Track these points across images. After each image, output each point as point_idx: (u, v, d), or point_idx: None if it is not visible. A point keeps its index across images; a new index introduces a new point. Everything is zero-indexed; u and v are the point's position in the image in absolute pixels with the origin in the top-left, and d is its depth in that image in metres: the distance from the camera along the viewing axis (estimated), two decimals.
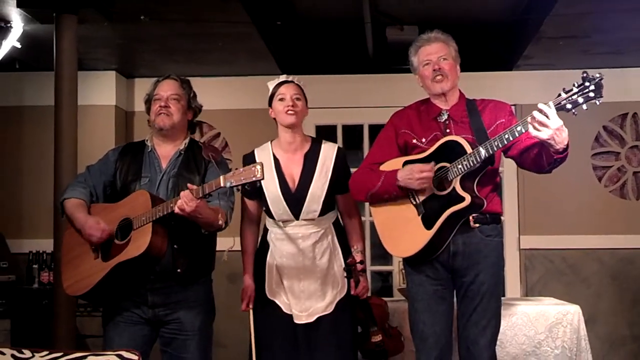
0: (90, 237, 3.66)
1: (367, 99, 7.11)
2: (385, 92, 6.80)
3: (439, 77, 3.74)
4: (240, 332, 5.75)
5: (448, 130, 3.72)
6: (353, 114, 7.25)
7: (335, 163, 4.05)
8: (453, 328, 3.82)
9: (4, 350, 2.92)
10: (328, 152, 4.08)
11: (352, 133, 7.34)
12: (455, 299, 3.80)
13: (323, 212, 4.00)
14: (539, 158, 3.52)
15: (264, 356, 3.99)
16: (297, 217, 3.97)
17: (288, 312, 3.96)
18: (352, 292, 3.96)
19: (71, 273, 3.78)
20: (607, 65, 6.79)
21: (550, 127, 3.27)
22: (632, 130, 7.17)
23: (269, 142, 4.13)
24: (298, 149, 4.07)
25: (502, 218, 3.84)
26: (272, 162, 4.04)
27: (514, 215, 7.12)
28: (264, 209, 4.11)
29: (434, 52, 3.77)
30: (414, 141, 3.77)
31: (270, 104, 4.10)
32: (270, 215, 4.04)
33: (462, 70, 3.86)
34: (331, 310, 3.95)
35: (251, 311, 4.04)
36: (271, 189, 3.98)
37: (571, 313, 5.13)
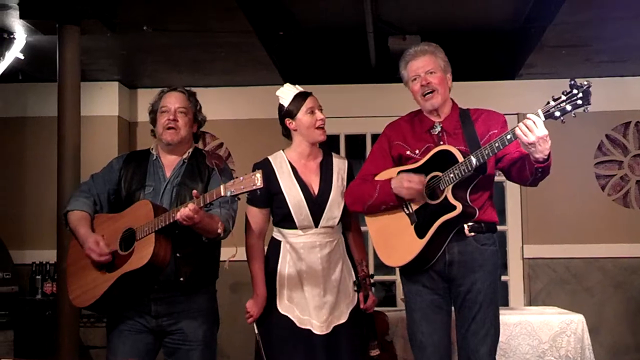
0: (89, 257, 3.67)
1: (369, 108, 7.12)
2: (387, 101, 6.79)
3: (428, 95, 3.74)
4: (243, 342, 5.76)
5: (442, 142, 3.73)
6: (356, 123, 7.25)
7: (347, 175, 4.06)
8: (452, 338, 3.82)
9: None
10: (340, 164, 4.08)
11: (355, 142, 7.35)
12: (452, 308, 3.80)
13: (340, 221, 4.00)
14: (523, 169, 3.55)
15: None
16: (316, 224, 3.94)
17: (302, 327, 3.89)
18: (362, 306, 3.96)
19: (77, 285, 3.78)
20: (610, 73, 6.82)
21: (535, 134, 3.30)
22: (635, 139, 7.17)
23: (282, 150, 4.10)
24: (313, 158, 4.06)
25: (503, 228, 3.84)
26: (290, 169, 4.01)
27: (517, 224, 7.10)
28: (272, 220, 4.07)
29: (421, 66, 3.76)
30: (408, 153, 3.78)
31: (290, 116, 4.01)
32: (288, 224, 3.96)
33: (465, 79, 3.86)
34: (345, 319, 3.93)
35: (255, 325, 3.98)
36: (293, 194, 3.94)
37: (575, 322, 5.13)
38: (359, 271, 3.99)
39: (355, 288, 3.96)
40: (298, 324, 3.89)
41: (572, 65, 6.57)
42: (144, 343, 3.74)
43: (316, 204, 3.94)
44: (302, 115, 3.97)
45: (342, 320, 3.92)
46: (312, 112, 3.97)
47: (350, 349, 3.91)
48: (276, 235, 4.03)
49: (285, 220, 3.96)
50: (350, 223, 4.12)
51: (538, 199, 6.95)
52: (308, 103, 3.97)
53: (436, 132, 3.77)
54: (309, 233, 3.94)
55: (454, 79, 3.88)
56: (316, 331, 3.87)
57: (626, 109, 7.10)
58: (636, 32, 5.77)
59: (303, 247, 3.94)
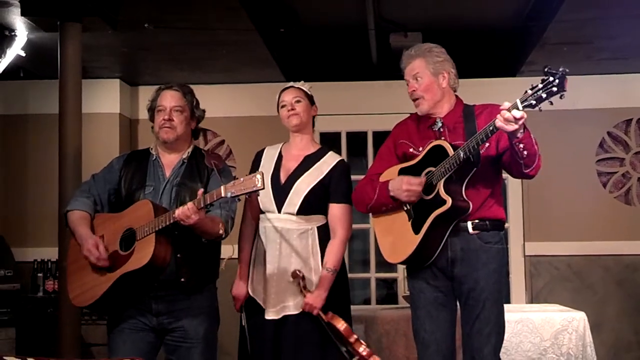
0: (86, 259, 3.67)
1: (371, 105, 7.13)
2: (389, 98, 6.80)
3: (416, 102, 3.77)
4: None
5: (442, 138, 3.72)
6: (357, 120, 7.25)
7: (331, 170, 4.10)
8: (456, 335, 3.81)
9: (9, 358, 2.93)
10: (328, 159, 4.15)
11: (356, 140, 7.35)
12: (458, 306, 3.79)
13: (305, 211, 4.04)
14: (513, 156, 3.50)
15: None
16: (279, 209, 4.04)
17: (263, 308, 4.03)
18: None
19: (77, 284, 3.78)
20: (611, 71, 6.80)
21: (516, 124, 3.29)
22: (637, 136, 7.16)
23: (282, 143, 4.25)
24: (303, 149, 4.17)
25: (505, 225, 3.80)
26: (276, 156, 4.18)
27: (519, 222, 7.11)
28: None
29: (408, 72, 3.79)
30: (412, 150, 3.78)
31: (278, 112, 4.23)
32: (261, 208, 4.11)
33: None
34: (298, 311, 3.98)
35: (243, 316, 4.10)
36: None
37: (577, 320, 5.14)
38: (296, 270, 3.99)
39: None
40: (261, 305, 4.04)
41: (573, 63, 6.55)
42: (145, 342, 3.74)
43: (281, 189, 4.07)
44: (280, 111, 4.19)
45: (295, 312, 3.99)
46: (284, 106, 4.16)
47: (294, 340, 3.97)
48: (260, 221, 4.17)
49: (259, 203, 4.11)
50: (335, 224, 4.10)
51: (539, 196, 6.95)
52: (282, 97, 4.20)
53: (437, 128, 3.76)
54: (273, 218, 4.06)
55: None
56: (266, 316, 4.00)
57: (628, 106, 7.08)
58: (637, 30, 5.76)
59: (267, 231, 4.08)
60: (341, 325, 3.92)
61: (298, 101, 4.13)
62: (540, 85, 3.24)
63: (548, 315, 5.21)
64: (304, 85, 4.22)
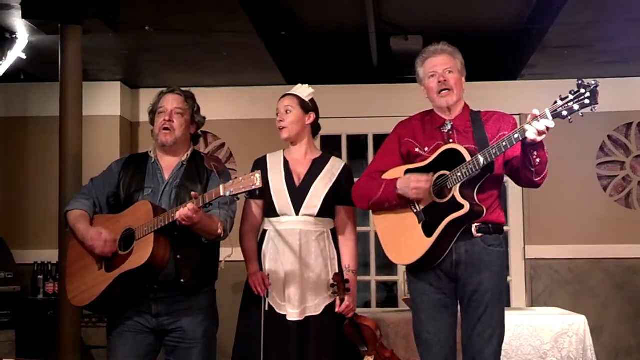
0: (93, 249, 3.67)
1: (371, 108, 7.12)
2: (389, 101, 6.81)
3: (444, 92, 3.76)
4: None
5: (451, 140, 3.73)
6: (357, 123, 7.25)
7: (340, 173, 4.14)
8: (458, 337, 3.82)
9: None
10: (335, 163, 4.18)
11: (357, 143, 7.35)
12: (459, 308, 3.80)
13: (322, 213, 4.06)
14: (525, 163, 3.53)
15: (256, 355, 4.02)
16: (297, 212, 4.04)
17: (280, 313, 4.01)
18: (336, 310, 4.00)
19: (76, 284, 3.79)
20: (612, 74, 6.80)
21: (545, 134, 3.35)
22: (637, 140, 7.17)
23: (282, 150, 4.24)
24: (307, 154, 4.17)
25: (504, 229, 3.83)
26: (282, 162, 4.15)
27: (519, 225, 7.11)
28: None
29: (440, 64, 3.79)
30: (417, 150, 3.79)
31: None
32: (272, 211, 4.08)
33: (467, 80, 3.86)
34: (319, 312, 4.01)
35: (264, 301, 4.03)
36: (276, 181, 4.08)
37: (577, 323, 5.13)
38: (335, 274, 4.02)
39: (331, 291, 4.01)
40: (277, 310, 4.02)
41: (574, 66, 6.57)
42: (145, 344, 3.75)
43: (298, 191, 4.06)
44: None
45: (316, 312, 4.00)
46: (277, 114, 4.16)
47: (319, 341, 3.98)
48: (265, 226, 4.14)
49: (270, 209, 4.09)
50: (345, 226, 4.15)
51: (540, 200, 6.95)
52: (277, 106, 4.18)
53: (446, 130, 3.78)
54: (290, 220, 4.05)
55: None
56: (289, 317, 3.99)
57: (628, 110, 7.10)
58: (638, 33, 5.76)
59: (284, 234, 4.05)
60: (372, 324, 4.07)
61: (288, 111, 4.12)
62: (571, 97, 3.29)
63: (548, 318, 5.21)
64: (305, 91, 4.18)
